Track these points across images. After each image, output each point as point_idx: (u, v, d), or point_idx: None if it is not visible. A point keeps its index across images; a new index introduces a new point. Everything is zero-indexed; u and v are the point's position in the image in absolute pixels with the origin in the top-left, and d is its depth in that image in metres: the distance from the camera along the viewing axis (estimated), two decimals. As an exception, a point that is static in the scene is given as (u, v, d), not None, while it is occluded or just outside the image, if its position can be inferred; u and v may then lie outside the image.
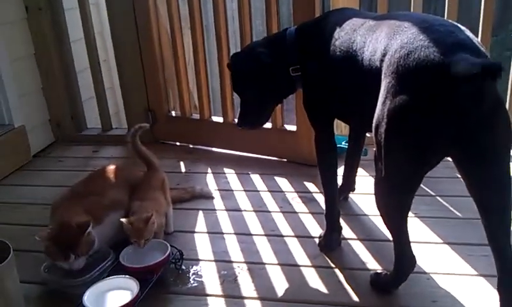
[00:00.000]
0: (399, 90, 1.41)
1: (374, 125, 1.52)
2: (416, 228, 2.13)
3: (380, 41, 1.54)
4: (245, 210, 2.42)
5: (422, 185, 2.31)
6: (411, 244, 1.70)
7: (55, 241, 1.83)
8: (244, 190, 2.62)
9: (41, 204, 2.52)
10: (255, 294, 1.85)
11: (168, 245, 1.97)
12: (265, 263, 2.02)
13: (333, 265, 1.97)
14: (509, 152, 1.45)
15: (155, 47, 3.14)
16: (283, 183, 2.66)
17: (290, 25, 2.14)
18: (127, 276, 1.84)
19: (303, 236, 2.18)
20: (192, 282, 1.94)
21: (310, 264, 1.99)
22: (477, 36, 1.50)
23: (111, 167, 2.28)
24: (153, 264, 1.88)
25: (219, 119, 3.12)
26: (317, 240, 2.11)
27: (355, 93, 1.72)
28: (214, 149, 3.17)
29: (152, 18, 3.08)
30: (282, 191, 2.58)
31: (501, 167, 1.45)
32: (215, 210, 2.45)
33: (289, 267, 1.99)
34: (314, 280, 1.90)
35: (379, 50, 1.53)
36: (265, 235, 2.21)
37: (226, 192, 2.61)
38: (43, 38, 3.26)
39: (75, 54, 3.40)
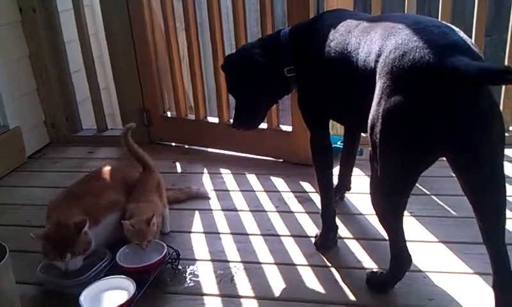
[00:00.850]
0: (394, 91, 1.42)
1: (369, 125, 1.53)
2: (412, 227, 2.14)
3: (375, 42, 1.55)
4: (241, 210, 2.43)
5: (417, 185, 2.33)
6: (408, 243, 1.71)
7: (51, 240, 1.83)
8: (240, 190, 2.62)
9: (37, 205, 2.52)
10: (251, 293, 1.86)
11: (165, 245, 1.98)
12: (261, 263, 2.02)
13: (329, 264, 1.98)
14: (503, 152, 1.47)
15: (149, 48, 3.14)
16: (279, 183, 2.67)
17: (284, 26, 2.15)
18: (124, 276, 1.84)
19: (299, 235, 2.18)
20: (188, 282, 1.94)
21: (306, 263, 2.00)
22: (470, 37, 1.51)
23: (107, 168, 2.28)
24: (150, 264, 1.89)
25: (215, 120, 3.12)
26: (313, 240, 2.12)
27: (350, 93, 1.72)
28: (210, 149, 3.17)
29: (147, 19, 3.08)
30: (278, 191, 2.59)
31: (495, 167, 1.46)
32: (211, 210, 2.45)
33: (285, 266, 1.99)
34: (310, 279, 1.91)
35: (373, 51, 1.54)
36: (262, 235, 2.21)
37: (223, 193, 2.61)
38: (38, 40, 3.25)
39: (69, 55, 3.39)
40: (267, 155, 2.98)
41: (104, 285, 1.83)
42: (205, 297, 1.86)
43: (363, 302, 1.78)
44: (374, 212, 1.68)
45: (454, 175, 1.53)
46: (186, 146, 3.25)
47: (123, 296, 1.76)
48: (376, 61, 1.51)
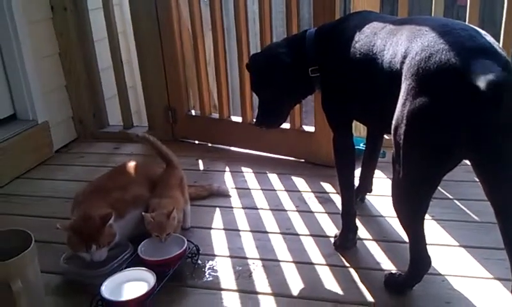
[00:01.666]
0: (419, 92, 1.42)
1: (393, 126, 1.53)
2: (432, 230, 2.13)
3: (401, 44, 1.56)
4: (261, 208, 2.45)
5: (440, 188, 2.35)
6: (428, 246, 1.70)
7: (77, 231, 1.87)
8: (261, 189, 2.64)
9: (62, 197, 2.59)
10: (269, 290, 1.87)
11: (185, 239, 2.01)
12: (279, 261, 2.04)
13: (347, 264, 1.98)
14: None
15: (176, 47, 3.19)
16: (300, 183, 2.68)
17: (310, 27, 2.16)
18: (145, 268, 1.87)
19: (318, 235, 2.19)
20: (207, 276, 1.97)
21: (324, 262, 2.00)
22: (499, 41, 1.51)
23: (132, 164, 2.33)
24: (170, 257, 1.92)
25: (238, 119, 3.15)
26: (332, 240, 2.12)
27: (375, 94, 1.72)
28: (233, 148, 3.20)
29: (174, 19, 3.13)
30: (299, 191, 2.60)
31: None
32: (232, 207, 2.47)
33: (303, 264, 2.01)
34: (328, 278, 1.91)
35: (399, 53, 1.54)
36: (281, 233, 2.23)
37: (244, 191, 2.64)
38: (68, 37, 3.32)
39: (98, 53, 3.46)
40: (288, 155, 2.99)
41: (125, 276, 1.86)
42: (223, 292, 1.88)
43: (380, 303, 1.77)
44: (395, 214, 1.68)
45: (477, 180, 1.52)
46: (209, 144, 3.28)
47: (144, 287, 1.79)
48: (402, 63, 1.51)
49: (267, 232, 2.25)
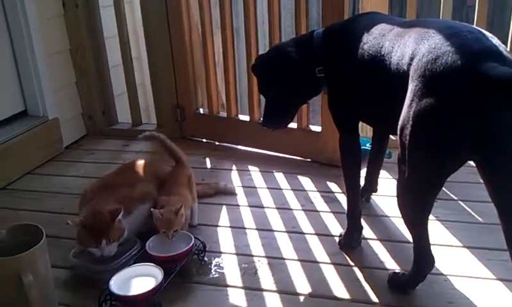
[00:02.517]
0: (426, 93, 1.44)
1: (399, 126, 1.55)
2: (436, 230, 2.14)
3: (408, 46, 1.58)
4: (267, 207, 2.47)
5: (445, 189, 2.37)
6: (431, 246, 1.73)
7: (87, 227, 1.90)
8: (268, 188, 2.67)
9: (72, 193, 2.62)
10: (274, 287, 1.90)
11: (192, 236, 2.03)
12: (285, 259, 2.06)
13: (352, 264, 2.01)
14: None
15: (186, 46, 3.22)
16: (306, 182, 2.70)
17: (319, 27, 2.18)
18: (152, 264, 1.90)
19: (323, 234, 2.22)
20: (213, 273, 2.00)
21: (329, 261, 2.03)
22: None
23: (140, 161, 2.36)
24: (178, 254, 1.95)
25: (246, 118, 3.17)
26: (337, 239, 2.15)
27: (382, 95, 1.74)
28: (240, 147, 3.22)
29: (184, 18, 3.16)
30: (305, 190, 2.63)
31: None
32: (238, 205, 2.50)
33: (308, 263, 2.03)
34: (333, 277, 1.94)
35: (407, 54, 1.56)
36: (286, 232, 2.25)
37: (250, 189, 2.66)
38: (79, 34, 3.35)
39: (108, 50, 3.49)
40: (295, 154, 3.01)
41: (133, 272, 1.89)
42: (228, 289, 1.91)
43: (383, 302, 1.80)
44: (400, 214, 1.70)
45: (481, 182, 1.53)
46: (217, 143, 3.31)
47: (151, 283, 1.82)
48: (409, 64, 1.53)
49: (272, 230, 2.27)
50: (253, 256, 2.09)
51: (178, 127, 3.39)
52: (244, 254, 2.11)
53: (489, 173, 1.50)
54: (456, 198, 2.41)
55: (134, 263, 1.95)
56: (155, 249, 1.98)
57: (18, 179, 2.91)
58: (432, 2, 4.62)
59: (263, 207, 2.48)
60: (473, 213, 2.29)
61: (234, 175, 2.85)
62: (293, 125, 2.93)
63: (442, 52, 1.43)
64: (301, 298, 1.85)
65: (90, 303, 1.81)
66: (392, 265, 1.98)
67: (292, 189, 2.64)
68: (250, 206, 2.49)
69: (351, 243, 2.10)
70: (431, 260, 1.73)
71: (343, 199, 2.37)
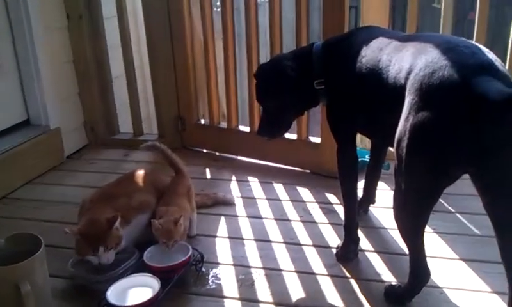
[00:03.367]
0: (422, 107, 1.46)
1: (396, 139, 1.56)
2: (434, 243, 2.15)
3: (405, 60, 1.59)
4: (266, 218, 2.48)
5: (443, 201, 2.37)
6: (428, 258, 1.73)
7: (85, 235, 1.91)
8: (266, 199, 2.68)
9: (72, 203, 2.60)
10: (270, 299, 1.90)
11: (190, 247, 2.05)
12: (282, 270, 2.07)
13: (348, 275, 2.01)
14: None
15: (188, 57, 3.25)
16: (304, 193, 2.72)
17: (319, 40, 2.20)
18: (149, 275, 1.91)
19: (321, 245, 2.23)
20: (211, 284, 2.00)
21: (326, 273, 2.03)
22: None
23: (140, 172, 2.38)
24: (175, 264, 1.96)
25: (246, 129, 3.19)
26: (334, 250, 2.15)
27: (379, 108, 1.76)
28: (240, 157, 3.24)
29: (187, 29, 3.19)
30: (303, 201, 2.64)
31: None
32: (237, 216, 2.51)
33: (305, 274, 2.04)
34: (329, 289, 1.94)
35: (404, 68, 1.58)
36: (284, 243, 2.26)
37: (249, 200, 2.68)
38: (82, 45, 3.39)
39: (111, 60, 3.52)
40: (294, 166, 3.03)
41: (130, 282, 1.90)
42: (225, 300, 1.91)
43: (379, 314, 1.80)
44: (396, 225, 1.71)
45: (478, 193, 1.54)
46: (217, 153, 3.33)
47: (148, 293, 1.83)
48: (406, 78, 1.55)
49: (270, 241, 2.28)
50: (250, 267, 2.10)
51: (179, 137, 3.41)
52: (241, 265, 2.11)
53: (484, 186, 1.51)
54: (453, 210, 2.41)
55: (132, 273, 1.96)
56: (152, 260, 1.99)
57: (19, 188, 2.93)
58: (434, 15, 4.65)
59: (261, 218, 2.49)
60: (470, 225, 2.29)
61: (234, 186, 2.87)
62: (293, 136, 2.95)
63: (438, 66, 1.45)
64: (297, 310, 1.86)
65: (87, 313, 1.81)
66: (388, 277, 1.98)
67: (291, 200, 2.65)
68: (249, 216, 2.50)
69: (347, 255, 2.10)
70: (426, 273, 1.74)
71: (341, 210, 2.36)
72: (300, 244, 2.25)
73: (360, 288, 1.93)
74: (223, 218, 2.49)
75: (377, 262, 2.08)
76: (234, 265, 2.12)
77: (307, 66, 2.03)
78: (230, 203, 2.62)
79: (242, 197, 2.71)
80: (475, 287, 1.89)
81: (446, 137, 1.42)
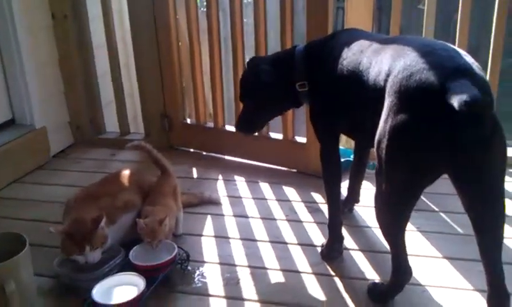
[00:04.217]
0: (400, 109, 1.48)
1: (376, 140, 1.59)
2: (417, 241, 2.19)
3: (385, 63, 1.62)
4: (252, 217, 2.50)
5: (426, 200, 2.41)
6: (410, 257, 1.76)
7: (70, 234, 1.91)
8: (253, 198, 2.70)
9: (57, 202, 2.59)
10: (255, 297, 1.92)
11: (176, 246, 2.06)
12: (267, 268, 2.09)
13: (332, 273, 2.04)
14: (504, 173, 1.52)
15: (174, 56, 3.25)
16: (290, 192, 2.74)
17: (303, 42, 2.22)
18: (135, 273, 1.92)
19: (306, 244, 2.25)
20: (196, 282, 2.02)
21: (310, 271, 2.06)
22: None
23: (125, 171, 2.38)
24: (160, 263, 1.96)
25: (233, 128, 3.19)
26: (319, 249, 2.18)
27: (360, 110, 1.79)
28: (226, 157, 3.26)
29: (172, 28, 3.19)
30: (289, 200, 2.66)
31: (495, 187, 1.52)
32: (223, 215, 2.53)
33: (290, 273, 2.06)
34: (314, 287, 1.96)
35: (383, 70, 1.61)
36: (270, 242, 2.28)
37: (235, 199, 2.69)
38: (67, 44, 3.38)
39: (97, 58, 3.51)
40: (281, 165, 3.05)
41: (115, 281, 1.91)
42: (211, 298, 1.93)
43: (363, 312, 1.83)
44: (378, 225, 1.73)
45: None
46: (204, 153, 3.34)
47: (133, 292, 1.83)
48: (385, 80, 1.58)
49: (256, 240, 2.30)
50: (236, 265, 2.11)
51: (165, 137, 3.42)
52: (227, 264, 2.13)
53: (461, 186, 1.54)
54: (436, 209, 2.45)
55: (118, 272, 1.96)
56: (138, 258, 2.00)
57: (4, 187, 2.92)
58: (420, 17, 4.69)
59: (247, 217, 2.50)
60: (453, 224, 2.33)
61: (220, 185, 2.88)
62: (279, 136, 2.98)
63: (416, 69, 1.47)
64: (282, 307, 1.88)
65: (73, 311, 1.81)
66: (372, 275, 2.01)
67: (277, 199, 2.67)
68: (235, 215, 2.52)
69: (332, 253, 2.13)
70: (407, 271, 1.77)
71: (326, 209, 2.39)
72: (285, 243, 2.27)
73: (344, 285, 1.96)
74: (209, 217, 2.50)
75: (361, 260, 2.11)
76: (220, 263, 2.14)
77: (288, 68, 2.06)
78: (216, 202, 2.63)
79: (228, 196, 2.72)
80: (457, 285, 1.92)
81: (423, 138, 1.45)
